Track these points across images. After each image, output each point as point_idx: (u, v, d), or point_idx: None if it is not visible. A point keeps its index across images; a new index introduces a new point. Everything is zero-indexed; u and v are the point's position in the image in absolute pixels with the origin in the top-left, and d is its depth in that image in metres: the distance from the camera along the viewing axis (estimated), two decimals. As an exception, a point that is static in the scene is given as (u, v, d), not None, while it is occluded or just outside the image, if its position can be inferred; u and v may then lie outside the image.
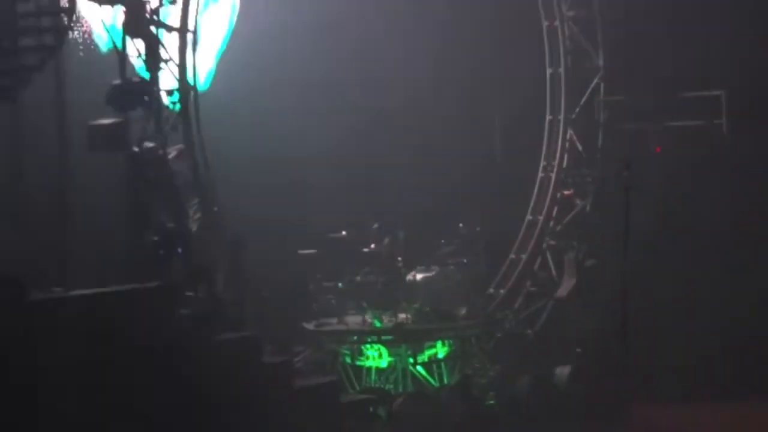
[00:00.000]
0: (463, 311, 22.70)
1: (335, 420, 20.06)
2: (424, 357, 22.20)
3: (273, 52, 23.20)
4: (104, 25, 19.65)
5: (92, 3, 19.42)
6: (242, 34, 22.25)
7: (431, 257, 22.96)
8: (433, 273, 22.70)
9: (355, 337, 22.19)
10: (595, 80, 24.41)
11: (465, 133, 25.03)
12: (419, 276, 22.66)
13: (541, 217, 24.55)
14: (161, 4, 19.70)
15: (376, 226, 22.73)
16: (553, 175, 24.62)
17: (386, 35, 24.35)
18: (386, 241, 22.66)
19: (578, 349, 23.00)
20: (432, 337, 22.31)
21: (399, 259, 22.66)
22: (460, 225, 23.18)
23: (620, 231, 21.79)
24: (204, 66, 21.40)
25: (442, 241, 23.07)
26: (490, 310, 23.63)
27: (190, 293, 19.56)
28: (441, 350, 22.39)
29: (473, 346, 22.68)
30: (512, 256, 24.51)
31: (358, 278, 22.49)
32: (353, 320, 22.40)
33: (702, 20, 24.00)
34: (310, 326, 22.36)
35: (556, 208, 24.52)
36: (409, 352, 21.98)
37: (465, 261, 23.00)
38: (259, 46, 22.89)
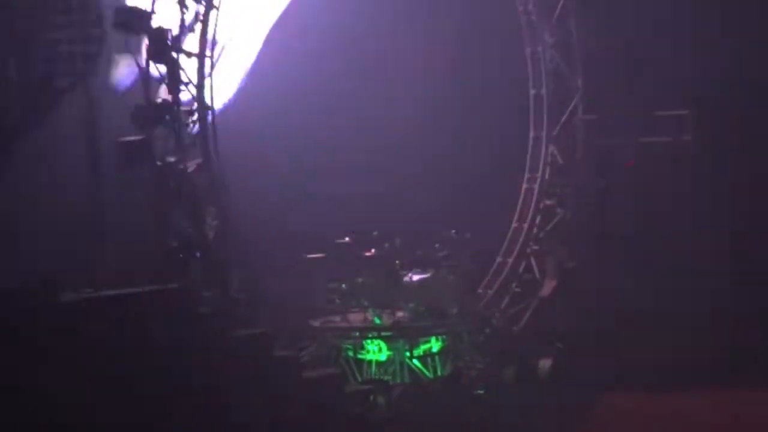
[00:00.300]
0: (454, 310, 22.64)
1: (339, 408, 20.04)
2: (419, 351, 22.11)
3: (278, 73, 23.12)
4: (130, 50, 19.72)
5: (119, 31, 19.49)
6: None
7: (426, 261, 22.88)
8: (428, 275, 22.64)
9: (357, 333, 22.09)
10: (574, 100, 24.36)
11: (457, 150, 24.95)
12: (415, 278, 22.60)
13: (525, 225, 24.49)
14: (181, 33, 19.76)
15: (376, 233, 22.68)
16: (537, 187, 24.57)
17: (389, 63, 24.31)
18: (386, 246, 22.64)
19: (559, 344, 22.94)
20: (427, 333, 22.23)
21: (397, 262, 22.61)
22: (453, 232, 23.10)
23: (597, 236, 21.94)
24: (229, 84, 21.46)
25: (436, 245, 22.97)
26: (480, 309, 23.55)
27: (207, 293, 19.62)
28: (435, 345, 22.30)
29: (464, 341, 22.59)
30: (499, 259, 24.44)
31: (360, 280, 22.44)
32: (355, 318, 22.34)
33: (671, 47, 24.10)
34: (316, 323, 22.29)
35: (539, 217, 24.45)
36: (406, 347, 21.91)
37: (456, 264, 22.92)
38: (266, 67, 22.86)
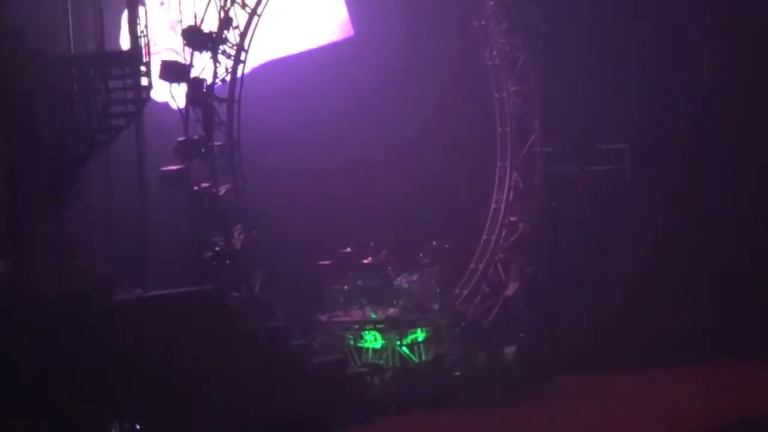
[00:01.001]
0: (436, 306, 22.64)
1: (343, 386, 20.13)
2: (407, 340, 22.05)
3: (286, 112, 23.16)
4: (173, 96, 19.89)
5: (164, 80, 19.66)
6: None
7: (413, 266, 22.90)
8: (414, 278, 22.64)
9: (357, 326, 22.02)
10: (533, 136, 24.34)
11: (438, 177, 24.89)
12: (404, 280, 22.66)
13: (493, 237, 24.39)
14: (215, 82, 19.92)
15: (372, 244, 22.71)
16: (503, 206, 24.48)
17: (378, 101, 24.31)
18: (381, 254, 22.66)
19: (521, 334, 23.06)
20: (414, 325, 22.17)
21: (389, 268, 22.66)
22: (434, 243, 23.09)
23: (550, 246, 22.02)
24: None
25: (421, 254, 22.97)
26: (456, 306, 23.51)
27: (235, 294, 19.71)
28: (420, 335, 22.20)
29: (444, 332, 22.54)
30: (472, 265, 24.32)
31: (359, 282, 22.35)
32: (355, 313, 22.24)
33: (614, 92, 24.26)
34: (323, 318, 22.24)
35: (504, 230, 24.39)
36: (396, 337, 21.88)
37: (438, 270, 22.88)
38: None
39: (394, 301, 22.27)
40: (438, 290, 22.77)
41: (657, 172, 24.29)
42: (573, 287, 23.46)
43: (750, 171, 24.50)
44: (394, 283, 22.46)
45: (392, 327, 21.88)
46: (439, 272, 22.85)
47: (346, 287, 22.35)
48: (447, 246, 23.07)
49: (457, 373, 22.08)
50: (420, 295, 22.46)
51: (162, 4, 21.18)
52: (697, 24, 24.60)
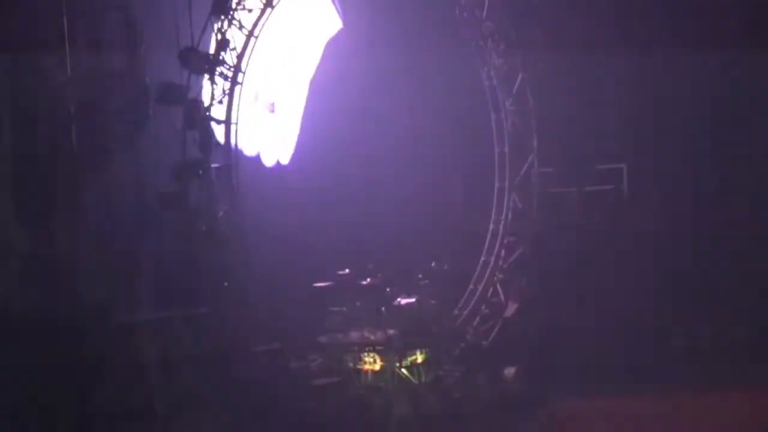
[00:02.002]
0: (435, 328, 22.49)
1: (341, 409, 20.01)
2: (407, 362, 21.89)
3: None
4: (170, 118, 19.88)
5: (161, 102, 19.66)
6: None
7: (411, 288, 22.82)
8: (413, 300, 22.46)
9: (356, 348, 21.86)
10: (531, 157, 24.34)
11: (439, 199, 24.87)
12: (403, 302, 22.46)
13: (492, 258, 24.39)
14: (212, 104, 19.92)
15: (371, 266, 22.56)
16: (501, 227, 24.47)
17: (376, 122, 24.39)
18: (378, 276, 22.56)
19: (520, 355, 22.92)
20: (413, 347, 22.04)
21: (388, 289, 22.48)
22: (433, 264, 23.01)
23: (549, 268, 21.98)
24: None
25: (419, 276, 22.87)
26: (456, 327, 23.44)
27: (232, 316, 19.60)
28: (420, 357, 22.04)
29: (443, 353, 22.44)
30: (471, 286, 24.31)
31: (358, 304, 22.19)
32: (355, 335, 22.06)
33: (612, 113, 24.32)
34: (323, 339, 22.06)
35: (503, 251, 24.37)
36: (396, 359, 21.71)
37: (436, 291, 22.71)
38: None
39: (393, 323, 22.02)
40: (436, 312, 22.60)
41: (655, 189, 24.30)
42: (571, 307, 23.35)
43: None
44: (393, 304, 22.27)
45: (391, 349, 21.70)
46: (438, 293, 22.73)
47: (344, 309, 22.16)
48: (445, 267, 23.01)
49: (457, 395, 21.85)
50: (418, 316, 22.30)
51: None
52: (697, 42, 24.64)
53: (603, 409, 21.49)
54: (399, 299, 22.42)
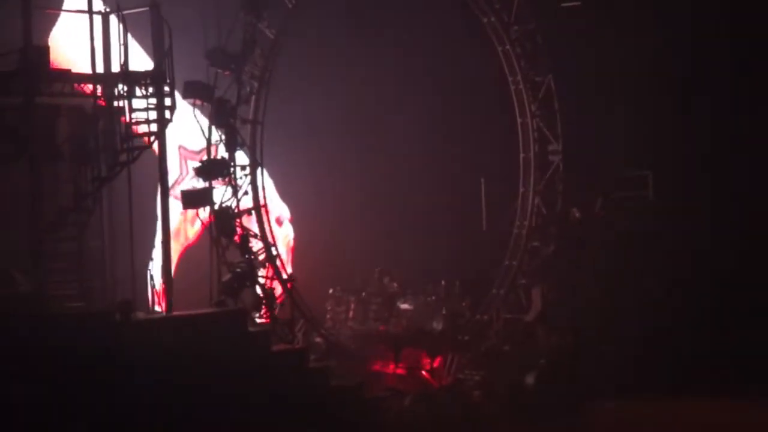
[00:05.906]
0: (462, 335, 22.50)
1: (362, 412, 19.98)
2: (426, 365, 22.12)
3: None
4: (195, 117, 19.96)
5: (188, 101, 19.74)
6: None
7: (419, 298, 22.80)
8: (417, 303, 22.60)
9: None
10: (556, 161, 24.29)
11: (464, 203, 24.83)
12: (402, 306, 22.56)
13: (515, 262, 24.24)
14: (238, 103, 19.99)
15: (378, 269, 22.78)
16: (525, 231, 24.36)
17: (398, 125, 24.36)
18: (385, 281, 22.58)
19: (542, 360, 22.81)
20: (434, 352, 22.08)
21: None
22: (443, 283, 23.06)
23: (574, 272, 21.87)
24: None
25: (432, 297, 22.90)
26: (477, 331, 23.38)
27: (255, 315, 19.68)
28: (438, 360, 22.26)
29: (464, 357, 22.47)
30: (494, 290, 24.19)
31: (374, 307, 22.46)
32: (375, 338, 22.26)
33: (635, 118, 24.20)
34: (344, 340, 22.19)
35: (527, 256, 24.29)
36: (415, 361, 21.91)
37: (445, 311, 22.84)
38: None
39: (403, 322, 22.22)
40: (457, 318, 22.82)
41: (681, 196, 24.13)
42: (594, 313, 23.25)
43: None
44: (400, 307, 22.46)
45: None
46: (448, 310, 22.86)
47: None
48: (458, 283, 23.10)
49: (477, 399, 21.83)
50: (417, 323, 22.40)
51: None
52: (721, 50, 24.51)
53: (631, 417, 21.37)
54: (399, 304, 22.55)
